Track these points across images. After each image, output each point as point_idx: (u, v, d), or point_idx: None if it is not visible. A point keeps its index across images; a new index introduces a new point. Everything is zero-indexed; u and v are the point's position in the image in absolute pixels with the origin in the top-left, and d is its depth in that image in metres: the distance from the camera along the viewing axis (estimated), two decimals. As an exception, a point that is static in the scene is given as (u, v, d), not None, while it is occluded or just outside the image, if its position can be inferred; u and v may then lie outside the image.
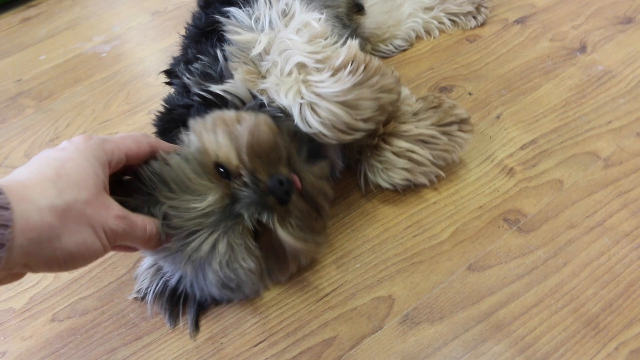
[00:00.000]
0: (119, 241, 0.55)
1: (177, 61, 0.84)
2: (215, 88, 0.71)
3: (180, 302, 0.72)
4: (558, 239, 0.73)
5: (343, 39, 0.69)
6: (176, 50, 0.91)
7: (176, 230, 0.59)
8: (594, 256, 0.70)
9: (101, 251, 0.53)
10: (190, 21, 0.91)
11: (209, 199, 0.60)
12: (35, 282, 0.81)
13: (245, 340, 0.69)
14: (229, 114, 0.66)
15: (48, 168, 0.50)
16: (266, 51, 0.70)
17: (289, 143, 0.66)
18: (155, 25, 1.41)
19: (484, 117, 0.92)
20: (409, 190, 0.82)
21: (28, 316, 0.77)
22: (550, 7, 1.15)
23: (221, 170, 0.62)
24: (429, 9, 1.14)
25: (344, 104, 0.64)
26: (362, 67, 0.64)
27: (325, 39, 0.68)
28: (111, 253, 0.83)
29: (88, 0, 1.62)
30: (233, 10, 0.76)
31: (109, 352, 0.71)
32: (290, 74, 0.66)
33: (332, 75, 0.64)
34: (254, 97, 0.71)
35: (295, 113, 0.66)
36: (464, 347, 0.64)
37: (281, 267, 0.69)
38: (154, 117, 0.78)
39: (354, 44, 0.66)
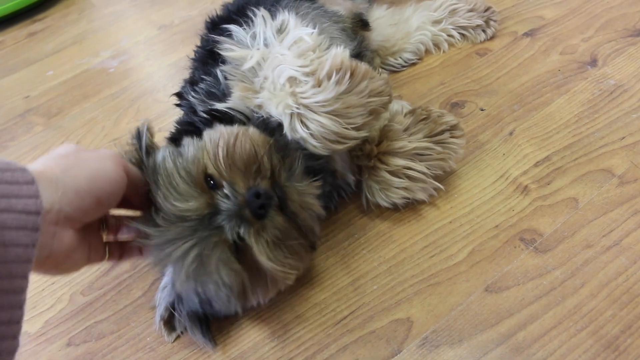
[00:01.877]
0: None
1: (186, 83, 0.85)
2: (219, 106, 0.72)
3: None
4: (575, 259, 0.72)
5: (333, 48, 0.68)
6: (186, 73, 0.91)
7: (157, 231, 0.60)
8: (611, 276, 0.70)
9: (114, 174, 0.57)
10: (199, 44, 0.91)
11: (190, 203, 0.60)
12: (50, 306, 0.81)
13: (264, 365, 0.69)
14: (229, 129, 0.66)
15: None
16: (260, 67, 0.71)
17: (278, 157, 0.65)
18: (162, 40, 1.42)
19: (497, 134, 0.91)
20: (423, 210, 0.82)
21: (43, 340, 0.77)
22: (559, 20, 1.14)
23: (210, 181, 0.62)
24: (438, 22, 1.14)
25: (331, 113, 0.64)
26: (347, 75, 0.64)
27: (315, 51, 0.68)
28: (126, 275, 0.83)
29: (94, 14, 1.62)
30: (233, 28, 0.77)
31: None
32: (282, 88, 0.66)
33: (317, 85, 0.64)
34: (255, 113, 0.72)
35: (286, 125, 0.66)
36: (484, 371, 0.64)
37: (261, 287, 0.66)
38: (165, 136, 0.78)
39: (339, 52, 0.66)
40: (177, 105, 0.85)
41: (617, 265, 0.71)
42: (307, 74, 0.65)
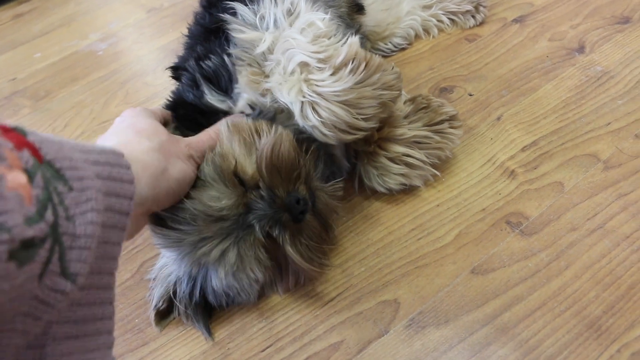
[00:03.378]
0: (198, 160, 0.65)
1: (183, 59, 0.84)
2: (221, 106, 0.72)
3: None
4: (560, 242, 0.73)
5: (345, 38, 0.69)
6: (180, 50, 0.90)
7: (189, 227, 0.61)
8: (595, 259, 0.71)
9: (193, 174, 0.62)
10: (193, 21, 0.90)
11: (224, 202, 0.61)
12: (38, 287, 0.81)
13: (252, 345, 0.70)
14: (246, 122, 0.67)
15: (126, 131, 0.60)
16: (270, 50, 0.70)
17: (308, 160, 0.67)
18: (151, 23, 1.40)
19: (484, 119, 0.92)
20: (412, 193, 0.83)
21: (33, 321, 0.77)
22: (548, 6, 1.15)
23: (238, 178, 0.63)
24: (428, 7, 1.14)
25: (345, 103, 0.64)
26: (362, 65, 0.65)
27: (329, 38, 0.68)
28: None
29: (82, -4, 1.60)
30: (238, 7, 0.76)
31: (116, 359, 0.71)
32: (293, 73, 0.66)
33: (333, 74, 0.64)
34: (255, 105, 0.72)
35: (297, 111, 0.66)
36: (469, 351, 0.65)
37: (281, 281, 0.70)
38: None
39: (354, 41, 0.66)
40: (175, 77, 0.82)
41: (601, 247, 0.72)
42: (320, 61, 0.65)
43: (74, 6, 1.55)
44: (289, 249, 0.63)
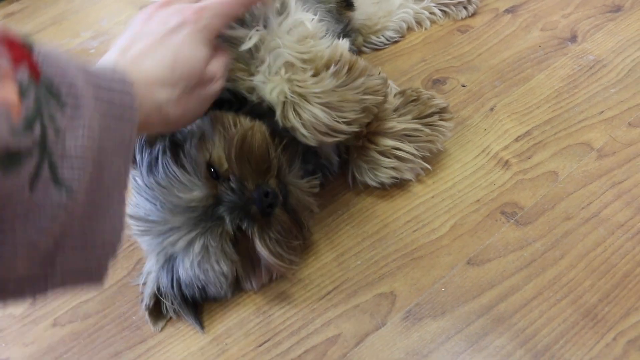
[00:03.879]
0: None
1: None
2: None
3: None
4: (555, 231, 0.74)
5: (333, 38, 0.69)
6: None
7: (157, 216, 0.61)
8: (590, 247, 0.71)
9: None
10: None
11: (195, 193, 0.61)
12: (34, 287, 0.81)
13: (249, 340, 0.70)
14: (227, 115, 0.67)
15: (166, 57, 0.55)
16: (257, 48, 0.70)
17: (282, 154, 0.67)
18: (142, 20, 1.39)
19: (478, 110, 0.92)
20: (406, 185, 0.83)
21: (29, 321, 0.77)
22: (540, -4, 1.15)
23: (212, 170, 0.63)
24: (420, -1, 1.14)
25: (325, 105, 0.64)
26: (345, 68, 0.64)
27: (316, 39, 0.68)
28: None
29: (72, -6, 1.59)
30: None
31: (113, 356, 0.71)
32: (277, 72, 0.66)
33: (314, 75, 0.64)
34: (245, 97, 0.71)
35: (278, 112, 0.66)
36: (466, 342, 0.65)
37: (255, 275, 0.70)
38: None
39: (341, 44, 0.66)
40: None
41: (596, 236, 0.72)
42: (304, 61, 0.64)
43: (64, 4, 1.54)
44: (257, 243, 0.63)
